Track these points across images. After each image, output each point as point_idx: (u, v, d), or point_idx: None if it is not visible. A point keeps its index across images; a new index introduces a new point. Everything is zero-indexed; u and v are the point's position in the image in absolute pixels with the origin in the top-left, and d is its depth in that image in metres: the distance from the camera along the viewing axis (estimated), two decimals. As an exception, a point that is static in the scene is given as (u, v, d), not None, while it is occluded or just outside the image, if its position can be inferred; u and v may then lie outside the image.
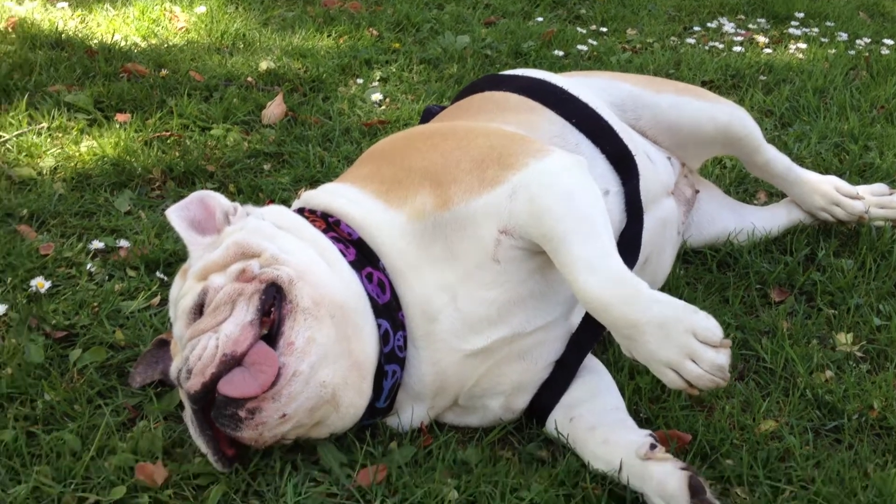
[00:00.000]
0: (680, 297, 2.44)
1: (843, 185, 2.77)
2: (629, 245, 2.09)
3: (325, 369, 1.74)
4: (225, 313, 1.75)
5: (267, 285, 1.77)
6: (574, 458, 1.88)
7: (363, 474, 1.82)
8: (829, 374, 2.22)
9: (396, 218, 1.89)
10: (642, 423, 1.99)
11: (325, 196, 2.02)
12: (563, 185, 1.83)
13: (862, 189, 2.81)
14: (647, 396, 2.06)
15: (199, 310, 1.81)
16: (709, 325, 1.67)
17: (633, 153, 2.23)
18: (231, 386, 1.68)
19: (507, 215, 1.83)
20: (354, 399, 1.81)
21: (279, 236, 1.89)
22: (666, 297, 1.71)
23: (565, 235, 1.77)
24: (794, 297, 2.54)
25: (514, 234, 1.83)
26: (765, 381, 2.20)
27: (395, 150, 2.08)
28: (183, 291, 1.87)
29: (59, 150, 3.16)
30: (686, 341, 1.66)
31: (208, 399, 1.72)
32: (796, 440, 1.97)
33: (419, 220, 1.86)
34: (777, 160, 2.73)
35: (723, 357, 1.66)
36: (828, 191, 2.75)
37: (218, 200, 2.00)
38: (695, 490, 1.65)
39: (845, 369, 2.23)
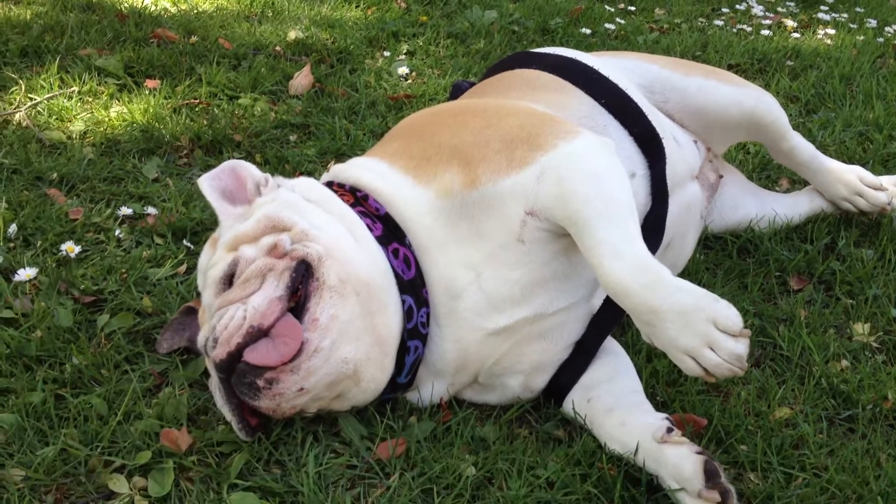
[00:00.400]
0: (699, 283, 2.48)
1: (866, 175, 2.77)
2: (653, 229, 2.10)
3: (348, 346, 1.77)
4: (254, 286, 1.78)
5: (298, 263, 1.79)
6: (590, 439, 1.91)
7: (383, 447, 1.85)
8: (844, 363, 2.23)
9: (424, 195, 1.90)
10: (659, 406, 2.01)
11: (355, 170, 2.03)
12: (590, 167, 1.84)
13: (885, 180, 2.81)
14: (664, 380, 2.08)
15: (228, 280, 1.84)
16: (729, 314, 1.68)
17: (661, 136, 2.24)
18: (254, 353, 1.71)
19: (533, 196, 1.84)
20: (376, 374, 1.84)
21: (309, 210, 1.91)
22: (688, 285, 1.72)
23: (590, 219, 1.78)
24: (812, 286, 2.55)
25: (539, 216, 1.84)
26: (781, 368, 2.22)
27: (424, 126, 2.09)
28: (213, 261, 1.89)
29: (89, 115, 3.19)
30: (706, 329, 1.67)
31: (233, 368, 1.75)
32: (810, 428, 1.99)
33: (447, 197, 1.88)
34: (802, 148, 2.73)
35: (741, 346, 1.67)
36: (851, 180, 2.75)
37: (250, 171, 2.02)
38: (710, 474, 1.67)
39: (861, 359, 2.25)
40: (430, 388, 1.96)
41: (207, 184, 1.99)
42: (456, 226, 1.88)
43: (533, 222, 1.85)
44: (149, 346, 2.13)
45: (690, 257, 2.53)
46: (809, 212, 2.83)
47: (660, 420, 1.82)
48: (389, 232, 1.90)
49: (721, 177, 2.71)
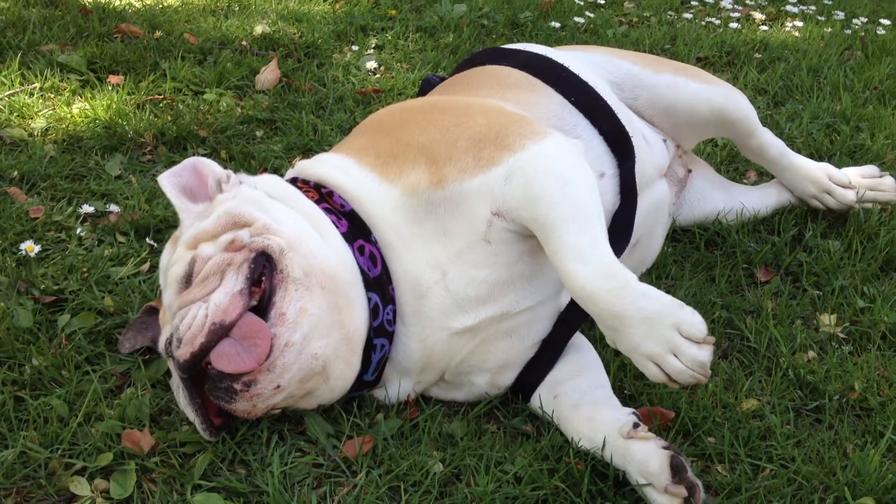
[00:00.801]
0: (667, 275, 2.48)
1: (835, 172, 2.77)
2: (622, 228, 2.09)
3: (318, 341, 1.75)
4: (214, 283, 1.75)
5: (256, 254, 1.77)
6: (558, 433, 1.90)
7: (349, 445, 1.84)
8: (811, 354, 2.24)
9: (390, 192, 1.88)
10: (626, 399, 2.01)
11: (320, 166, 2.01)
12: (558, 170, 1.82)
13: (852, 171, 2.82)
14: (631, 373, 2.08)
15: (188, 279, 1.81)
16: (694, 321, 1.68)
17: (631, 135, 2.23)
18: (226, 361, 1.68)
19: (500, 197, 1.82)
20: (344, 371, 1.82)
21: (271, 206, 1.89)
22: (653, 291, 1.72)
23: (556, 222, 1.76)
24: (779, 278, 2.55)
25: (506, 217, 1.83)
26: (748, 360, 2.23)
27: (392, 123, 2.07)
28: (173, 260, 1.87)
29: (51, 112, 3.15)
30: (670, 336, 1.67)
31: (197, 369, 1.73)
32: (777, 419, 1.99)
33: (413, 196, 1.86)
34: (771, 145, 2.73)
35: (705, 353, 1.67)
36: (820, 178, 2.75)
37: (211, 168, 1.99)
38: (676, 469, 1.67)
39: (828, 350, 2.26)
40: (397, 386, 1.95)
41: (168, 181, 1.96)
42: (422, 224, 1.86)
43: (499, 223, 1.84)
44: (110, 347, 2.09)
45: (658, 252, 2.53)
46: (777, 204, 2.84)
47: (626, 415, 1.81)
48: (355, 229, 1.89)
49: (690, 171, 2.71)
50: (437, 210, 1.85)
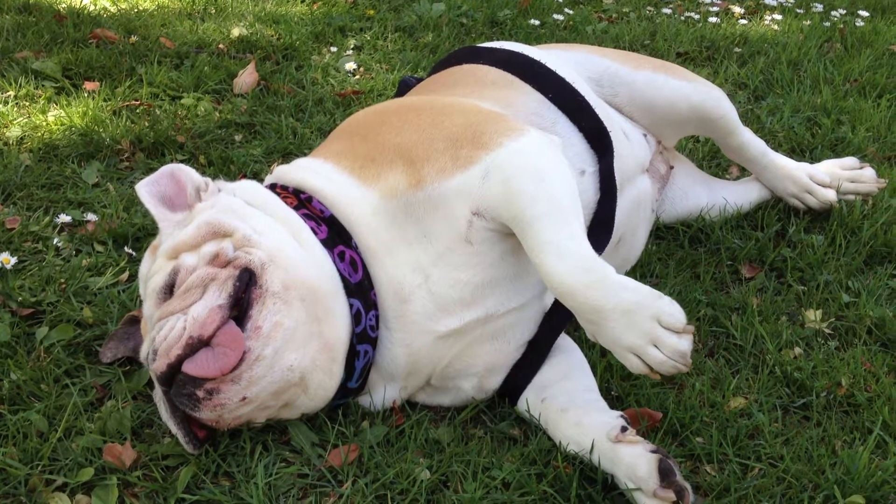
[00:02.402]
0: (651, 273, 2.47)
1: (816, 172, 2.77)
2: (603, 224, 2.08)
3: (293, 353, 1.72)
4: (195, 296, 1.72)
5: (241, 271, 1.74)
6: (545, 437, 1.88)
7: (335, 454, 1.82)
8: (797, 350, 2.23)
9: (369, 195, 1.86)
10: (613, 400, 2.00)
11: (298, 172, 1.99)
12: (535, 166, 1.81)
13: (832, 163, 2.81)
14: (618, 374, 2.07)
15: (169, 290, 1.78)
16: (673, 311, 1.68)
17: (610, 130, 2.22)
18: (193, 364, 1.66)
19: (479, 196, 1.81)
20: (324, 381, 1.80)
21: (251, 215, 1.86)
22: (633, 283, 1.71)
23: (535, 219, 1.75)
24: (764, 274, 2.55)
25: (485, 216, 1.82)
26: (734, 357, 2.22)
27: (369, 125, 2.05)
28: (153, 270, 1.84)
29: (26, 120, 3.11)
30: (650, 327, 1.67)
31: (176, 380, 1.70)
32: (765, 417, 1.98)
33: (392, 198, 1.84)
34: (752, 144, 2.72)
35: (685, 343, 1.67)
36: (800, 178, 2.75)
37: (189, 175, 1.96)
38: (664, 473, 1.65)
39: (814, 346, 2.25)
40: (382, 392, 1.93)
41: (145, 190, 1.93)
42: (402, 227, 1.84)
43: (479, 222, 1.82)
44: (90, 359, 2.06)
45: (642, 250, 2.52)
46: (759, 199, 2.83)
47: (614, 419, 1.80)
48: (335, 234, 1.86)
49: (672, 168, 2.70)
50: (416, 212, 1.83)
